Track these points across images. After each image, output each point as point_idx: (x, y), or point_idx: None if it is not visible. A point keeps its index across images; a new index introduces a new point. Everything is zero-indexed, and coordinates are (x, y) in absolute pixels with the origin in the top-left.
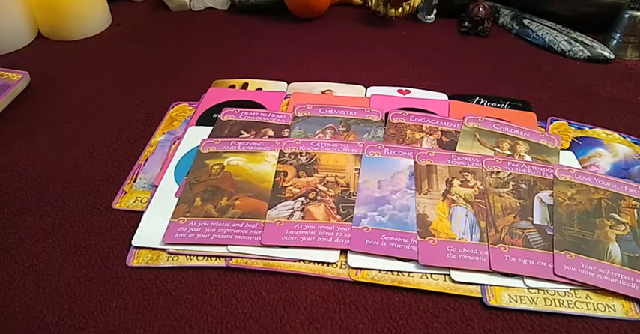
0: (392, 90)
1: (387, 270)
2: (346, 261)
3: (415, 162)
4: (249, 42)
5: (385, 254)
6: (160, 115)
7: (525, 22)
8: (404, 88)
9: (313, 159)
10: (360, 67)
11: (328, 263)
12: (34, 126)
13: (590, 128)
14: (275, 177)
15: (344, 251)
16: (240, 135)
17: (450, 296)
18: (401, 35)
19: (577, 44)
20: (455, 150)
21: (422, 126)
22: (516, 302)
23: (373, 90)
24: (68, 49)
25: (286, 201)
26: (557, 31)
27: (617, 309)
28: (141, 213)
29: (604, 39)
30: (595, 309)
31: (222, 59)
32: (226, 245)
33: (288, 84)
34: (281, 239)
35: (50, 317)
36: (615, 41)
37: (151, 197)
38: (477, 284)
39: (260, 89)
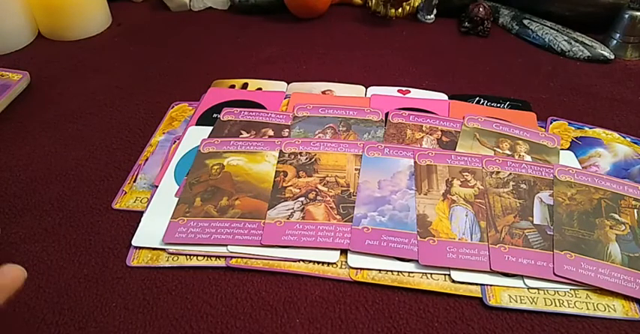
0: (392, 90)
1: (387, 270)
2: (346, 261)
3: (415, 162)
4: (249, 42)
5: (385, 255)
6: (160, 115)
7: (525, 22)
8: (404, 88)
9: (313, 159)
10: (360, 67)
11: (328, 263)
12: (34, 126)
13: (590, 128)
14: (275, 177)
15: (344, 252)
16: (240, 135)
17: (450, 296)
18: (401, 35)
19: (577, 44)
20: (455, 150)
21: (422, 126)
22: (516, 302)
23: (373, 90)
24: (68, 49)
25: (286, 201)
26: (557, 31)
27: (617, 309)
28: (141, 213)
29: (604, 39)
30: (595, 309)
31: (222, 59)
32: (226, 245)
33: (288, 84)
34: (281, 239)
35: (50, 317)
36: (615, 41)
37: (151, 197)
38: (476, 284)
39: (260, 89)
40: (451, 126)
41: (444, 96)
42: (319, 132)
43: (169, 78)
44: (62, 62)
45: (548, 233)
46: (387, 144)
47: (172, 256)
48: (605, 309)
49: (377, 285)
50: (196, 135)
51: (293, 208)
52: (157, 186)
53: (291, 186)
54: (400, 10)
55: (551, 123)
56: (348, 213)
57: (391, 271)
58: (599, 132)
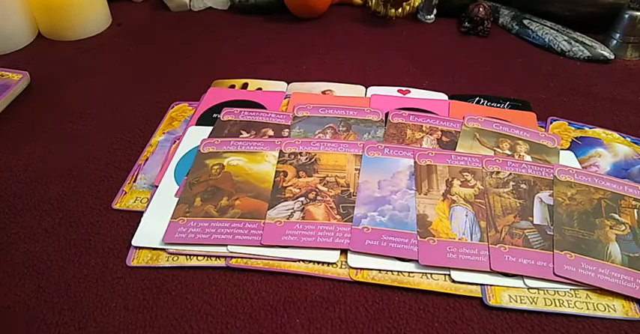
0: (392, 90)
1: (387, 270)
2: (346, 261)
3: (415, 162)
4: (249, 42)
5: (385, 254)
6: (160, 115)
7: (525, 22)
8: (404, 88)
9: (313, 159)
10: (360, 67)
11: (328, 263)
12: (34, 126)
13: (590, 128)
14: (275, 177)
15: (344, 251)
16: (240, 135)
17: (450, 296)
18: (401, 35)
19: (577, 44)
20: (455, 150)
21: (422, 126)
22: (516, 302)
23: (373, 90)
24: (68, 49)
25: (286, 201)
26: (557, 31)
27: (617, 309)
28: (141, 213)
29: (604, 39)
30: (595, 309)
31: (222, 59)
32: (226, 245)
33: (288, 84)
34: (281, 239)
35: (50, 317)
36: (615, 41)
37: (151, 197)
38: (476, 284)
39: (260, 89)
40: (451, 126)
41: (444, 96)
42: (319, 132)
43: (169, 78)
44: (62, 62)
45: (548, 233)
46: (387, 144)
47: (172, 256)
48: (605, 309)
49: (377, 285)
50: (196, 135)
51: (293, 208)
52: (157, 186)
53: (291, 186)
54: (400, 10)
55: (551, 123)
56: (348, 213)
57: (391, 271)
58: (599, 132)
